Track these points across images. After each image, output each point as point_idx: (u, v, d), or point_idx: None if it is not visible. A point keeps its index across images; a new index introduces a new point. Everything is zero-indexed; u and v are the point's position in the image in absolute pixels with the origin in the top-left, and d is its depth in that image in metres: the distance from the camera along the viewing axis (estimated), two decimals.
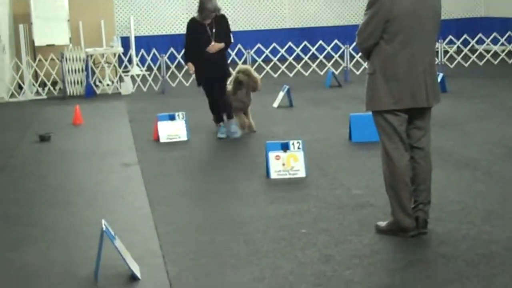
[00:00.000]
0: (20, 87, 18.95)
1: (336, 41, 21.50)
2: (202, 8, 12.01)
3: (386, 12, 6.37)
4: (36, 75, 19.42)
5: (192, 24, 12.28)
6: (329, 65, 20.26)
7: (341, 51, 20.46)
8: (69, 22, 20.80)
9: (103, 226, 5.73)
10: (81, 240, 7.01)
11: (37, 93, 18.95)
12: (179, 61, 20.22)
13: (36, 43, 20.45)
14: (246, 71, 12.60)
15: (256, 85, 12.47)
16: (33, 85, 19.24)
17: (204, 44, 12.03)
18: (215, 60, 12.07)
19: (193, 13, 12.72)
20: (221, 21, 12.20)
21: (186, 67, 13.08)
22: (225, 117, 12.31)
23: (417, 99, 6.50)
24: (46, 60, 18.90)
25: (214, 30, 12.02)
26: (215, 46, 12.01)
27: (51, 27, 20.43)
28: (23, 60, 19.14)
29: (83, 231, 7.30)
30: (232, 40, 12.50)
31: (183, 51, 20.29)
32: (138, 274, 5.82)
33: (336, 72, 19.14)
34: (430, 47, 6.61)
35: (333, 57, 20.83)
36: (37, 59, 19.17)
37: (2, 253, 6.71)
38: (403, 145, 6.57)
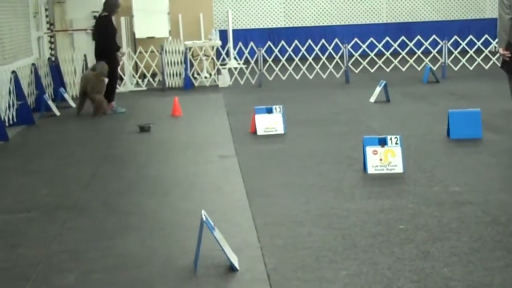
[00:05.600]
0: (121, 78, 19.33)
1: (434, 36, 21.25)
2: (116, 5, 14.83)
3: None
4: (136, 67, 19.79)
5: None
6: (426, 60, 20.05)
7: (439, 46, 20.23)
8: (169, 15, 21.13)
9: (203, 217, 5.80)
10: (179, 230, 7.11)
11: (137, 84, 19.30)
12: (276, 55, 20.31)
13: (137, 35, 20.86)
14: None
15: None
16: (133, 76, 19.60)
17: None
18: None
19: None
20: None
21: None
22: None
23: None
24: (146, 52, 19.24)
25: None
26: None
27: (152, 20, 20.81)
28: None
29: (182, 221, 7.40)
30: None
31: (280, 44, 20.49)
32: (237, 265, 5.88)
33: (434, 68, 18.94)
34: None
35: (430, 52, 20.61)
36: (138, 51, 19.53)
37: (103, 241, 6.85)
38: None
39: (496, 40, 12.16)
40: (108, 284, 5.75)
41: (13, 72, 14.20)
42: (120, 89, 18.67)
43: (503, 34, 10.61)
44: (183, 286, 5.66)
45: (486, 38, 20.95)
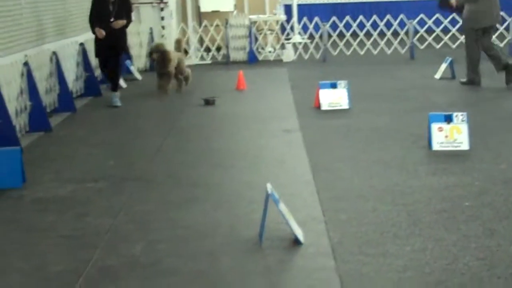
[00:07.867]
0: (186, 52, 19.42)
1: (502, 12, 20.88)
2: None
3: None
4: (201, 41, 19.87)
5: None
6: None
7: (506, 23, 19.90)
8: None
9: (269, 190, 5.85)
10: (244, 203, 7.16)
11: (202, 58, 19.39)
12: (340, 30, 20.21)
13: (202, 9, 20.91)
14: (158, 48, 14.29)
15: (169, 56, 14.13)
16: (198, 50, 19.68)
17: (105, 19, 13.00)
18: (114, 34, 13.02)
19: None
20: (125, 1, 13.27)
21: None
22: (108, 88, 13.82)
23: None
24: (211, 26, 19.29)
25: (116, 8, 13.05)
26: (118, 23, 13.06)
27: None
28: (189, 26, 19.63)
29: (246, 194, 7.46)
30: (133, 19, 14.03)
31: (344, 20, 20.34)
32: (301, 238, 5.92)
33: (501, 45, 18.66)
34: None
35: (497, 29, 20.28)
36: (203, 25, 19.60)
37: (169, 213, 6.94)
38: None
39: None
40: (173, 255, 5.83)
41: (81, 44, 14.37)
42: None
43: None
44: (248, 257, 5.72)
45: None
